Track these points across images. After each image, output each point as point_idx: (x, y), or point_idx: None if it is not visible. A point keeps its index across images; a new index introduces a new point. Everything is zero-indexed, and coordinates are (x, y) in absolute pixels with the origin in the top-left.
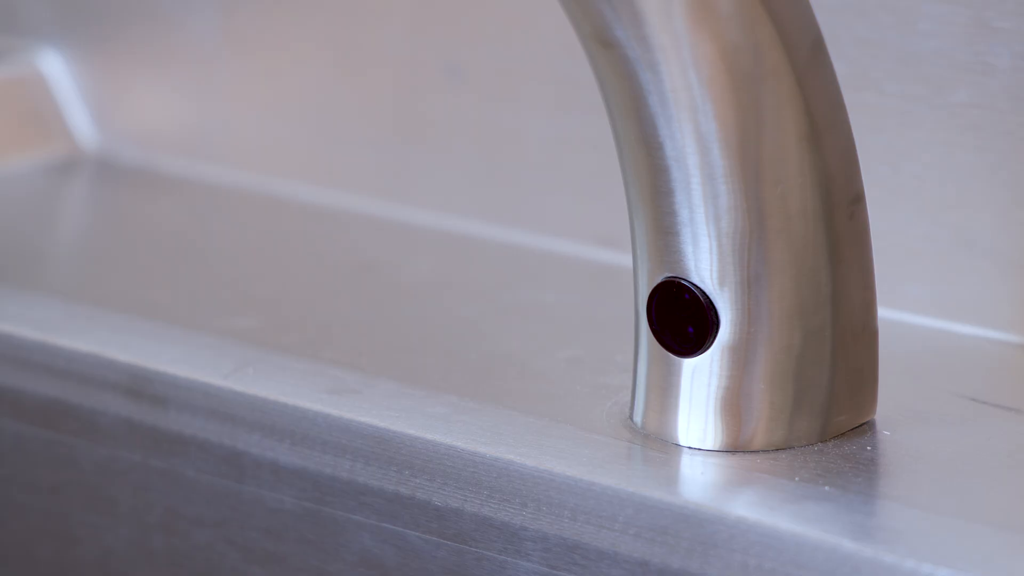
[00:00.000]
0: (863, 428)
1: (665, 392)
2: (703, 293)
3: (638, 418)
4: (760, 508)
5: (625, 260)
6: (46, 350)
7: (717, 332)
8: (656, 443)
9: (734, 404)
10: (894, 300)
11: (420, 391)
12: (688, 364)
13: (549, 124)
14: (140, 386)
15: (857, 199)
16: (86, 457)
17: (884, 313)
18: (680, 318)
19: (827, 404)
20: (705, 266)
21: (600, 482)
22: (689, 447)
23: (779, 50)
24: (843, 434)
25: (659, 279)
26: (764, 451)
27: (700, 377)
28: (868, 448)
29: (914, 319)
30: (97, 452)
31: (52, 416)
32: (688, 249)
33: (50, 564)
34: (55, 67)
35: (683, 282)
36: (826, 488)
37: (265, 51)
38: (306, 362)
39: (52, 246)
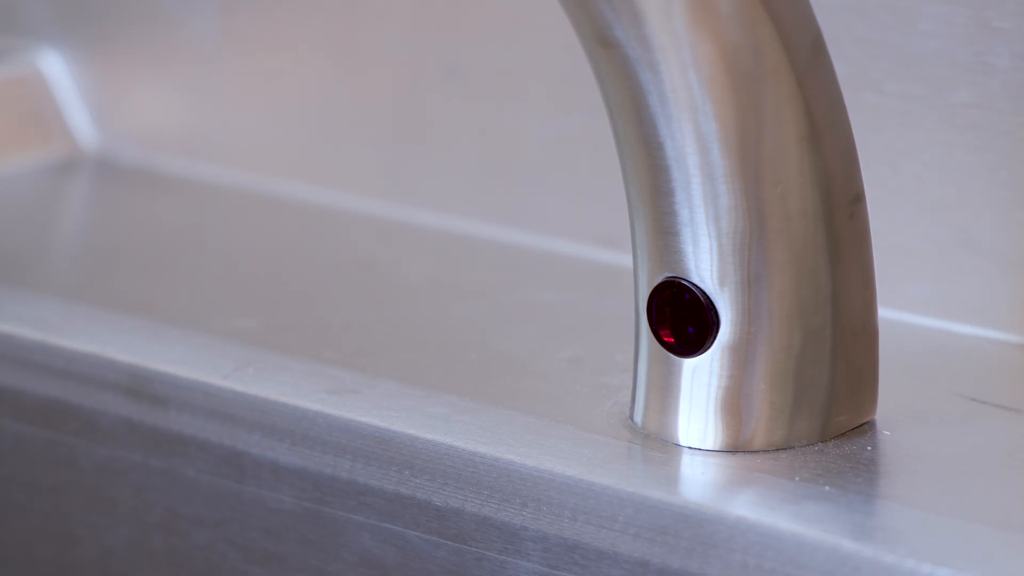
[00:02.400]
0: (863, 428)
1: (665, 392)
2: (703, 293)
3: (638, 418)
4: (760, 508)
5: (625, 260)
6: (46, 350)
7: (717, 332)
8: (656, 443)
9: (734, 404)
10: (894, 300)
11: (420, 391)
12: (688, 364)
13: (549, 124)
14: (140, 386)
15: (857, 199)
16: (86, 457)
17: (884, 313)
18: (680, 318)
19: (827, 404)
20: (705, 266)
21: (600, 482)
22: (689, 447)
23: (779, 50)
24: (843, 434)
25: (659, 279)
26: (764, 451)
27: (700, 377)
28: (868, 448)
29: (914, 319)
30: (97, 452)
31: (52, 416)
32: (688, 249)
33: (50, 564)
34: (55, 67)
35: (683, 282)
36: (826, 488)
37: (265, 51)
38: (306, 362)
39: (52, 246)
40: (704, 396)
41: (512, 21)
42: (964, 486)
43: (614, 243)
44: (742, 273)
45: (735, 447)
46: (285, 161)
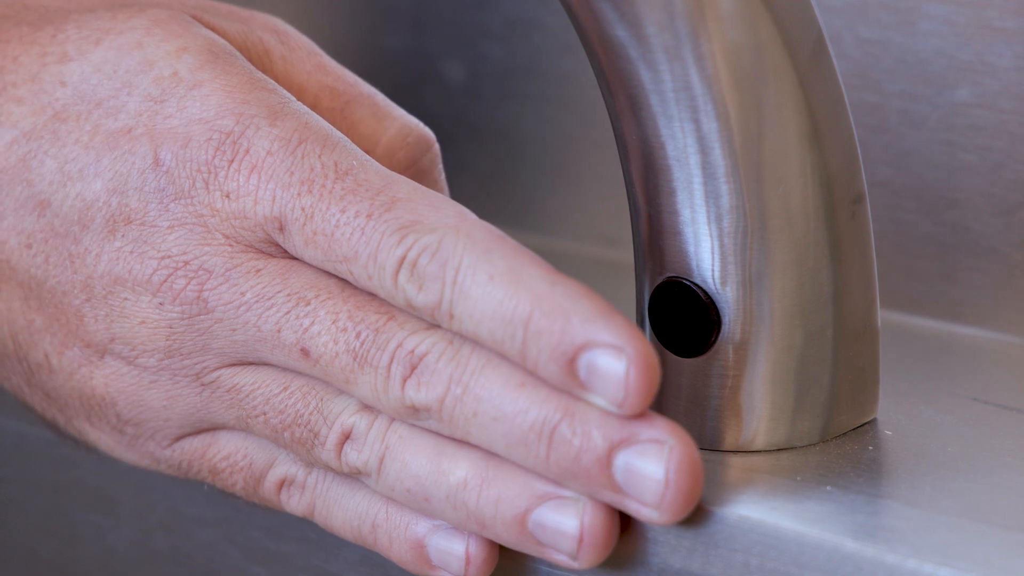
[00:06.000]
0: (865, 428)
1: (667, 392)
2: (705, 293)
3: None
4: (762, 507)
5: (626, 260)
6: None
7: (719, 332)
8: None
9: (736, 404)
10: (895, 300)
11: None
12: (689, 364)
13: (549, 124)
14: None
15: (859, 198)
16: (88, 457)
17: (885, 313)
18: (682, 318)
19: (829, 404)
20: (707, 266)
21: None
22: None
23: (781, 49)
24: (845, 434)
25: (661, 279)
26: (766, 451)
27: (701, 377)
28: (870, 448)
29: (914, 319)
30: (99, 452)
31: None
32: (690, 249)
33: (52, 563)
34: None
35: (685, 282)
36: (828, 488)
37: None
38: None
39: None
40: (706, 396)
41: (512, 21)
42: (965, 486)
43: (615, 243)
44: (744, 273)
45: (737, 447)
46: None
